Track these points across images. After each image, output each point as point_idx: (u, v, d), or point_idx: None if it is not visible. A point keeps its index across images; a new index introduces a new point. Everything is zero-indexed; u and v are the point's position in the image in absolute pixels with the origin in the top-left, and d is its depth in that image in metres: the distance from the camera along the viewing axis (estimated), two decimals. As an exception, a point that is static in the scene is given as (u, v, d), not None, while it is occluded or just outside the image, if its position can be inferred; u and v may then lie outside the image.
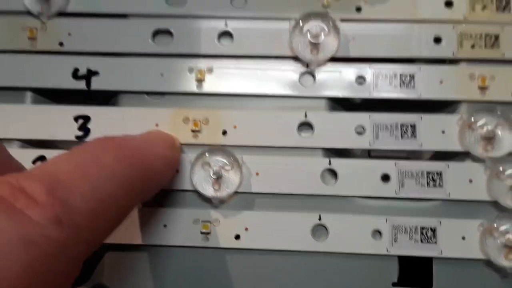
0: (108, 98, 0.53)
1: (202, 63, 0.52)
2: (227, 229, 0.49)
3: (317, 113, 0.50)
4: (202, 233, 0.49)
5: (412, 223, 0.48)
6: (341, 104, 0.52)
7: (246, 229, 0.49)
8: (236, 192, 0.49)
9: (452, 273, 0.48)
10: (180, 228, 0.49)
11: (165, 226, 0.50)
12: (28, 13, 0.52)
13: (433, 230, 0.48)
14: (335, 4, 0.52)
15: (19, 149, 0.51)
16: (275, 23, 0.52)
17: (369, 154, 0.52)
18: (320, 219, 0.48)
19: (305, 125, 0.50)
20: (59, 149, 0.51)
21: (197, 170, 0.48)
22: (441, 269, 0.48)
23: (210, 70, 0.51)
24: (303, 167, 0.49)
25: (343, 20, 0.51)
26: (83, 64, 0.52)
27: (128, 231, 0.49)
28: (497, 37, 0.50)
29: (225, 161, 0.49)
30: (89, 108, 0.51)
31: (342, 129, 0.50)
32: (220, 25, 0.52)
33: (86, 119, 0.50)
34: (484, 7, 0.50)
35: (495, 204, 0.48)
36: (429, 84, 0.50)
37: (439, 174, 0.48)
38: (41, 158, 0.50)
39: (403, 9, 0.51)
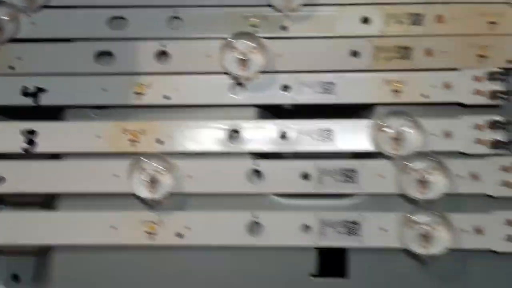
0: (55, 113, 0.57)
1: (141, 80, 0.56)
2: (169, 229, 0.53)
3: (245, 121, 0.55)
4: (147, 232, 0.53)
5: (337, 217, 0.52)
6: (271, 112, 0.57)
7: (187, 227, 0.53)
8: (170, 194, 0.52)
9: (372, 263, 0.52)
10: (127, 229, 0.53)
11: (111, 227, 0.54)
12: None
13: (356, 223, 0.52)
14: (262, 24, 0.57)
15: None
16: (207, 42, 0.57)
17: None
18: (254, 216, 0.53)
19: (234, 132, 0.54)
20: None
21: (135, 176, 0.52)
22: (362, 259, 0.52)
23: (149, 86, 0.56)
24: (231, 168, 0.54)
25: (269, 38, 0.56)
26: (32, 82, 0.56)
27: (76, 232, 0.54)
28: (408, 48, 0.55)
29: (159, 166, 0.53)
30: (35, 123, 0.56)
31: (268, 135, 0.54)
32: (157, 45, 0.57)
33: (33, 133, 0.55)
34: (398, 22, 0.55)
35: (405, 197, 0.52)
36: (347, 90, 0.55)
37: (354, 171, 0.52)
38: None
39: (323, 26, 0.57)
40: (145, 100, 0.56)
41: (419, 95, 0.55)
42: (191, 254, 0.54)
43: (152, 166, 0.53)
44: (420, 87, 0.55)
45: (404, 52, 0.56)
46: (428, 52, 0.55)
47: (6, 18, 0.57)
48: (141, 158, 0.53)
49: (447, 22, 0.56)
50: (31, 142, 0.55)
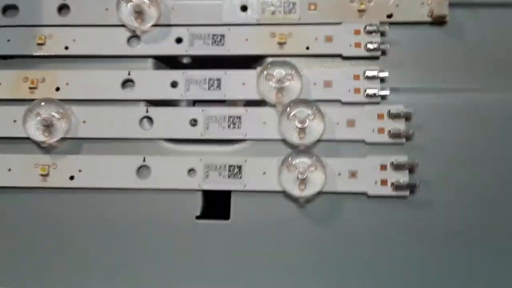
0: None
1: (44, 31, 0.59)
2: (62, 172, 0.56)
3: (140, 71, 0.58)
4: (41, 175, 0.56)
5: (221, 161, 0.55)
6: (167, 64, 0.60)
7: (80, 170, 0.56)
8: (64, 138, 0.55)
9: (253, 205, 0.55)
10: (22, 171, 0.56)
11: (9, 170, 0.56)
12: None
13: (239, 167, 0.55)
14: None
15: None
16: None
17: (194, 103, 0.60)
18: (144, 160, 0.55)
19: (129, 81, 0.57)
20: None
21: (30, 120, 0.55)
22: (244, 202, 0.55)
23: (50, 37, 0.59)
24: (125, 115, 0.57)
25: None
26: None
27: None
28: (294, 4, 0.58)
29: (55, 111, 0.55)
30: None
31: (160, 84, 0.57)
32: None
33: None
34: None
35: (285, 142, 0.55)
36: (236, 42, 0.58)
37: (239, 118, 0.55)
38: None
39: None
40: (46, 50, 0.58)
41: (303, 48, 0.57)
42: (83, 197, 0.56)
43: (48, 111, 0.55)
44: (303, 40, 0.58)
45: (289, 7, 0.58)
46: (312, 6, 0.57)
47: None
48: (37, 103, 0.55)
49: None
50: None
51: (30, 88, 0.57)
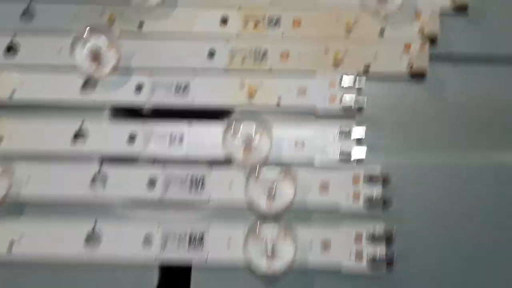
0: None
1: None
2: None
3: (95, 122, 0.53)
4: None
5: (181, 229, 0.50)
6: (124, 113, 0.54)
7: (20, 237, 0.50)
8: (3, 199, 0.49)
9: (216, 281, 0.50)
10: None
11: None
12: None
13: (201, 236, 0.50)
14: (118, 19, 0.54)
15: None
16: (59, 36, 0.54)
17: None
18: (94, 226, 0.49)
19: (81, 134, 0.52)
20: None
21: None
22: (205, 277, 0.50)
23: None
24: (75, 172, 0.51)
25: (124, 35, 0.53)
26: None
27: None
28: (265, 52, 0.53)
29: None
30: None
31: (116, 137, 0.52)
32: (6, 39, 0.54)
33: None
34: (256, 25, 0.53)
35: (253, 208, 0.50)
36: (202, 92, 0.52)
37: (202, 178, 0.50)
38: None
39: (181, 25, 0.55)
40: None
41: (274, 100, 0.52)
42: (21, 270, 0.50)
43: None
44: (275, 91, 0.52)
45: (260, 54, 0.53)
46: (284, 55, 0.52)
47: None
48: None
49: (304, 26, 0.54)
50: None
51: None
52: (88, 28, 0.52)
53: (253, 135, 0.51)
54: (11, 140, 0.52)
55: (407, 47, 0.53)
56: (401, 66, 0.53)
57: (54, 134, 0.52)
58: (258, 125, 0.51)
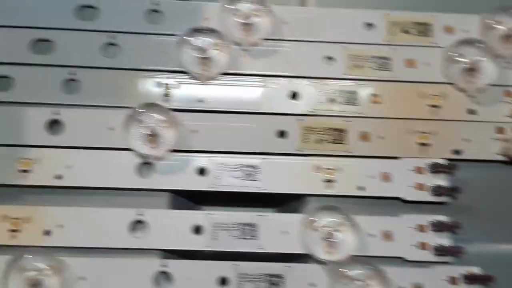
0: None
1: (30, 153, 0.47)
2: None
3: (154, 209, 0.47)
4: None
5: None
6: (185, 197, 0.49)
7: None
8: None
9: None
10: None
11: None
12: None
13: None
14: (175, 93, 0.49)
15: None
16: (109, 112, 0.47)
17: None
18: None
19: (139, 223, 0.45)
20: None
21: (13, 279, 0.42)
22: None
23: (38, 161, 0.46)
24: (134, 269, 0.45)
25: (182, 111, 0.48)
26: None
27: None
28: (341, 131, 0.48)
29: (44, 265, 0.44)
30: None
31: (179, 228, 0.46)
32: (48, 114, 0.48)
33: None
34: (332, 101, 0.48)
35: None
36: (272, 176, 0.47)
37: (280, 277, 0.44)
38: None
39: (247, 100, 0.50)
40: (32, 179, 0.46)
41: (355, 187, 0.46)
42: None
43: (35, 266, 0.43)
44: (355, 176, 0.47)
45: (337, 134, 0.47)
46: (364, 136, 0.47)
47: None
48: (23, 255, 0.43)
49: (384, 103, 0.48)
50: None
51: (11, 231, 0.44)
52: (143, 104, 0.46)
53: (334, 229, 0.44)
54: (60, 233, 0.46)
55: (500, 130, 0.48)
56: (494, 149, 0.49)
57: (109, 224, 0.46)
58: (339, 217, 0.45)
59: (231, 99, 0.50)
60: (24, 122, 0.47)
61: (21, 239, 0.45)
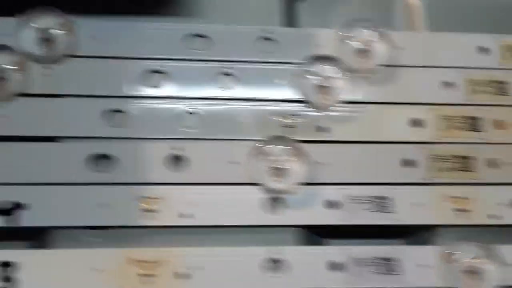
0: (35, 236, 0.44)
1: (152, 191, 0.44)
2: None
3: (286, 246, 0.45)
4: None
5: None
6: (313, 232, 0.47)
7: None
8: None
9: None
10: None
11: None
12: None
13: None
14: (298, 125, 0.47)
15: None
16: (231, 150, 0.46)
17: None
18: None
19: (273, 262, 0.43)
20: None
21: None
22: None
23: (160, 200, 0.44)
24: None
25: (307, 142, 0.46)
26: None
27: None
28: (467, 158, 0.46)
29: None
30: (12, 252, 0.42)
31: (314, 265, 0.44)
32: (168, 149, 0.45)
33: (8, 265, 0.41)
34: (456, 127, 0.47)
35: None
36: (405, 207, 0.46)
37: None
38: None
39: (369, 130, 0.48)
40: (156, 219, 0.43)
41: (484, 216, 0.46)
42: None
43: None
44: (485, 205, 0.46)
45: (463, 162, 0.46)
46: (491, 163, 0.46)
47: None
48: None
49: (507, 128, 0.48)
50: (7, 279, 0.41)
51: (142, 275, 0.41)
52: (267, 137, 0.46)
53: (477, 260, 0.43)
54: (196, 274, 0.43)
55: None
56: None
57: (242, 264, 0.44)
58: (479, 249, 0.43)
59: (352, 128, 0.47)
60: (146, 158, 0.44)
61: (155, 286, 0.43)
